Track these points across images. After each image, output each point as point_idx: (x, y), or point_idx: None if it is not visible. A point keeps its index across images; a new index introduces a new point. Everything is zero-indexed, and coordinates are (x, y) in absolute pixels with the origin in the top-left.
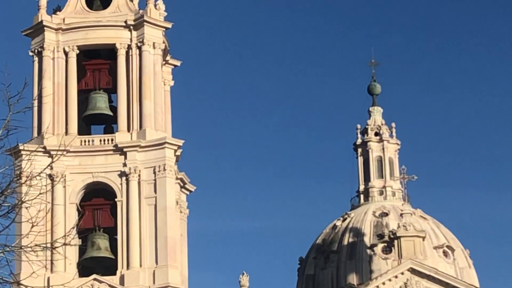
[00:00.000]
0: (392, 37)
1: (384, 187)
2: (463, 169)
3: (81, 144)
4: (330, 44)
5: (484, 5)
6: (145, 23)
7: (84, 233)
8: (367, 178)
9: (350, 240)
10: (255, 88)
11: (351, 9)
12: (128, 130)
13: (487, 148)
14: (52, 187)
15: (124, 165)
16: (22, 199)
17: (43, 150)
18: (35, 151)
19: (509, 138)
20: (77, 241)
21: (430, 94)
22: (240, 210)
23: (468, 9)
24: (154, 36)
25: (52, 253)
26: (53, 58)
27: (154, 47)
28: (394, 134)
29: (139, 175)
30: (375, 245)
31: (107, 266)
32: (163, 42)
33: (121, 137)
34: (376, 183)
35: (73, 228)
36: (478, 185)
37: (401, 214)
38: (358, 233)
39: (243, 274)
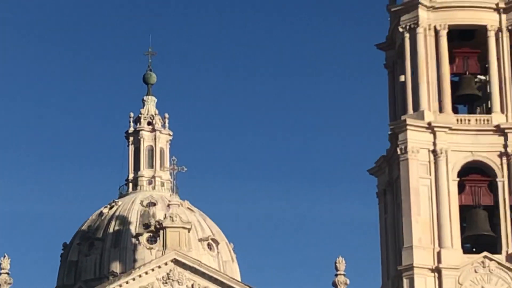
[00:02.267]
0: (170, 27)
1: (154, 177)
2: (231, 163)
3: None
4: (108, 32)
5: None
6: None
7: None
8: (137, 167)
9: (116, 228)
10: None
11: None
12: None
13: (255, 143)
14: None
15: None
16: None
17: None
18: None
19: (272, 133)
20: None
21: (204, 87)
22: (3, 192)
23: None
24: None
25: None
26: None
27: None
28: (167, 124)
29: None
30: (141, 234)
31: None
32: None
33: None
34: (145, 172)
35: None
36: (245, 179)
37: (168, 205)
38: (124, 221)
39: (4, 256)
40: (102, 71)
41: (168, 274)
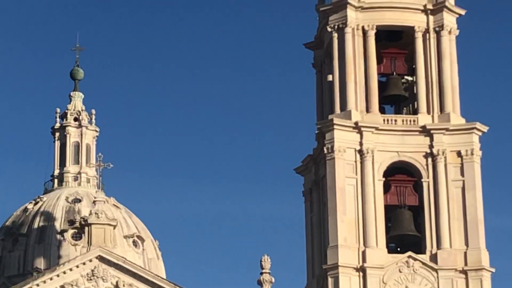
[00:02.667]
0: (98, 23)
1: (80, 173)
2: (158, 160)
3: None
4: (35, 27)
5: None
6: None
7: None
8: (62, 163)
9: (41, 224)
10: None
11: None
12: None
13: (182, 141)
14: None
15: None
16: None
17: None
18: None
19: (198, 131)
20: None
21: (132, 83)
22: None
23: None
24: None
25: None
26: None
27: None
28: (93, 120)
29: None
30: (65, 230)
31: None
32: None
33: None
34: (71, 168)
35: None
36: (171, 176)
37: (94, 201)
38: (49, 217)
39: None
40: (29, 66)
41: (92, 271)
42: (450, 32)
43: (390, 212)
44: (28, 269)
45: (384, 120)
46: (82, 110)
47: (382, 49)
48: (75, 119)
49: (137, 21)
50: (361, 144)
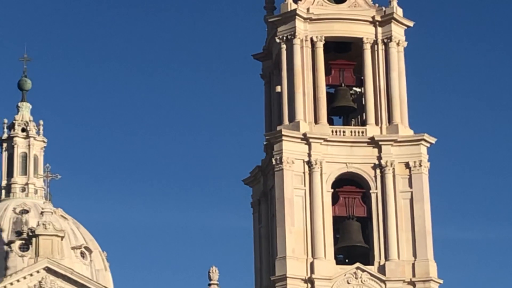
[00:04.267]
0: (46, 33)
1: (27, 184)
2: (106, 171)
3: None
4: None
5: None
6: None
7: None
8: (10, 174)
9: None
10: None
11: (5, 2)
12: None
13: (130, 152)
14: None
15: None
16: None
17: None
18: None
19: (146, 142)
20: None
21: (80, 94)
22: None
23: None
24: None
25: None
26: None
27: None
28: (41, 131)
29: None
30: (13, 241)
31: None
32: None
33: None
34: (19, 179)
35: None
36: (119, 187)
37: (41, 212)
38: None
39: None
40: None
41: (40, 282)
42: (398, 44)
43: (339, 223)
44: None
45: (332, 132)
46: (30, 120)
47: (331, 61)
48: (23, 130)
49: (84, 31)
50: (309, 155)
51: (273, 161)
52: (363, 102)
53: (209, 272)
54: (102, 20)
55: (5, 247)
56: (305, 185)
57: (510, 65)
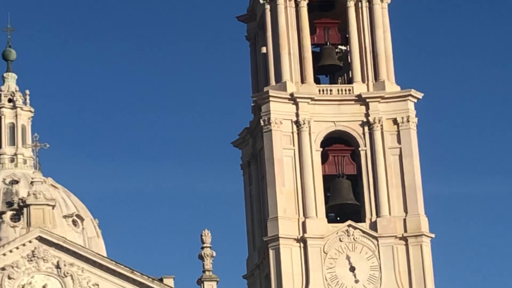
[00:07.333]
0: (29, 3)
1: (16, 154)
2: (94, 139)
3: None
4: None
5: None
6: None
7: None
8: None
9: None
10: None
11: None
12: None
13: (119, 120)
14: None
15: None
16: None
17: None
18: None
19: (134, 109)
20: None
21: (65, 63)
22: None
23: None
24: None
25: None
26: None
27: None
28: (28, 101)
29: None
30: (4, 212)
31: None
32: None
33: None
34: (7, 150)
35: None
36: (108, 155)
37: (31, 182)
38: None
39: None
40: None
41: (33, 251)
42: (382, 0)
43: (329, 182)
44: None
45: (319, 90)
46: (16, 91)
47: (315, 20)
48: (9, 100)
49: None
50: (297, 115)
51: (261, 122)
52: (349, 60)
53: (201, 236)
54: None
55: None
56: (294, 145)
57: (497, 19)
